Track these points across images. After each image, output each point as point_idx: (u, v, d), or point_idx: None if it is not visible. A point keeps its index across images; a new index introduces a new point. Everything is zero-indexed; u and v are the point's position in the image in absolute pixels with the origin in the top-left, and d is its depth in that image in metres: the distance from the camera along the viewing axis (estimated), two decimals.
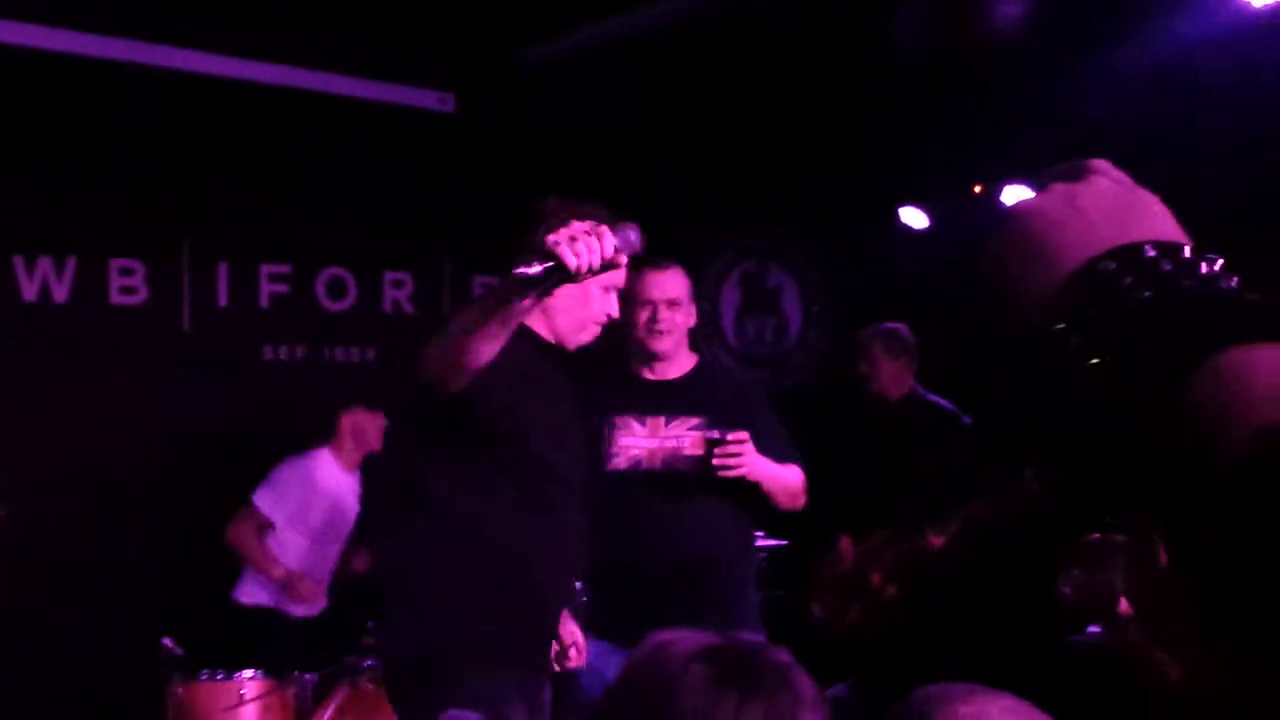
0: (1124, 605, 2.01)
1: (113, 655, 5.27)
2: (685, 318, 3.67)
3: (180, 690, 4.63)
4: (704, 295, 7.14)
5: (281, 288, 6.06)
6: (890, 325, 5.74)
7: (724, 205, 6.77)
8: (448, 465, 2.85)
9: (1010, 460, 4.79)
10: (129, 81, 5.39)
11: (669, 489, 3.54)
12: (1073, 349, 0.74)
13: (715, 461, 3.38)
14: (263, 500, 5.25)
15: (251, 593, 5.26)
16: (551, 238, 2.45)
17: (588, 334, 3.00)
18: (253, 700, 4.61)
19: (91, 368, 5.52)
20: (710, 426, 3.53)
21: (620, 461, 3.57)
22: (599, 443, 3.54)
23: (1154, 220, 0.80)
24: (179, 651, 4.71)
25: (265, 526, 5.24)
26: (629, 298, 3.59)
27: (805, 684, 1.21)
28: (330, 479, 5.36)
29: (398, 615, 2.92)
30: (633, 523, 3.52)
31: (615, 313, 3.02)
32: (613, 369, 3.74)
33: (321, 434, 5.34)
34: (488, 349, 2.59)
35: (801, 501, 3.67)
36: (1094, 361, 0.73)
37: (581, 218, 2.76)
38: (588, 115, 6.10)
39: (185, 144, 5.61)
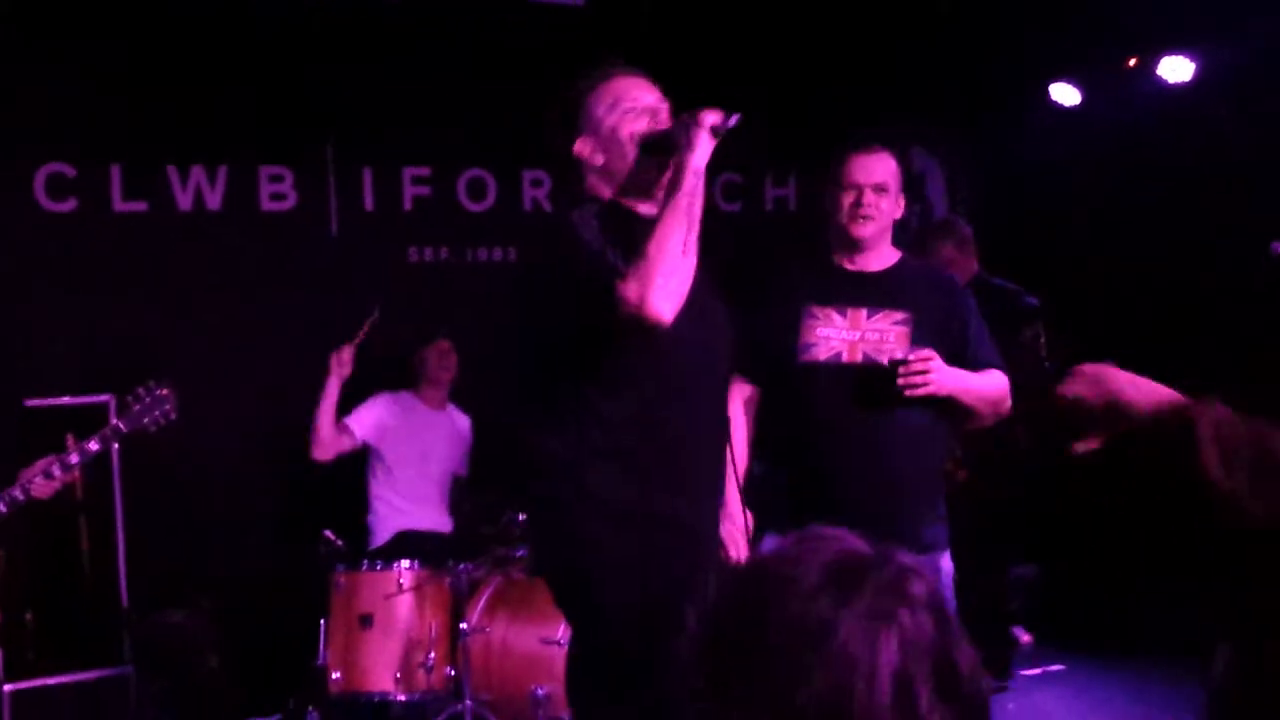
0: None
1: (276, 547, 5.50)
2: (891, 206, 3.48)
3: (342, 579, 4.82)
4: None
5: (424, 190, 6.14)
6: (943, 217, 5.58)
7: (862, 90, 6.60)
8: (592, 373, 2.71)
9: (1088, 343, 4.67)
10: None
11: (866, 384, 3.36)
12: None
13: (900, 382, 3.24)
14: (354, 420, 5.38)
15: (381, 531, 5.37)
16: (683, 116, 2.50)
17: (629, 162, 2.85)
18: (411, 588, 4.78)
19: (246, 273, 5.69)
20: (915, 324, 3.39)
21: (819, 353, 3.40)
22: (793, 332, 3.40)
23: None
24: (339, 543, 4.89)
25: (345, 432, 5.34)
26: (833, 183, 3.47)
27: (920, 589, 1.17)
28: (417, 414, 5.48)
29: (549, 527, 2.82)
30: (825, 418, 3.37)
31: (643, 128, 2.86)
32: (811, 258, 3.57)
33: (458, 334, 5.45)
34: (694, 262, 2.57)
35: (1006, 408, 3.50)
36: None
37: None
38: (717, 6, 5.98)
39: (325, 50, 5.67)
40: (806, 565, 1.16)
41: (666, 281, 2.54)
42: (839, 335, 3.41)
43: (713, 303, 2.86)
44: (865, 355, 3.38)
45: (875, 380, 3.34)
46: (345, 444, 5.33)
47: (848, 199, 3.44)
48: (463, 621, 4.70)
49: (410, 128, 5.93)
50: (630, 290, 2.55)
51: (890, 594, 1.14)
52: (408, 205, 6.11)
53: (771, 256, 3.09)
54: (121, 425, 4.13)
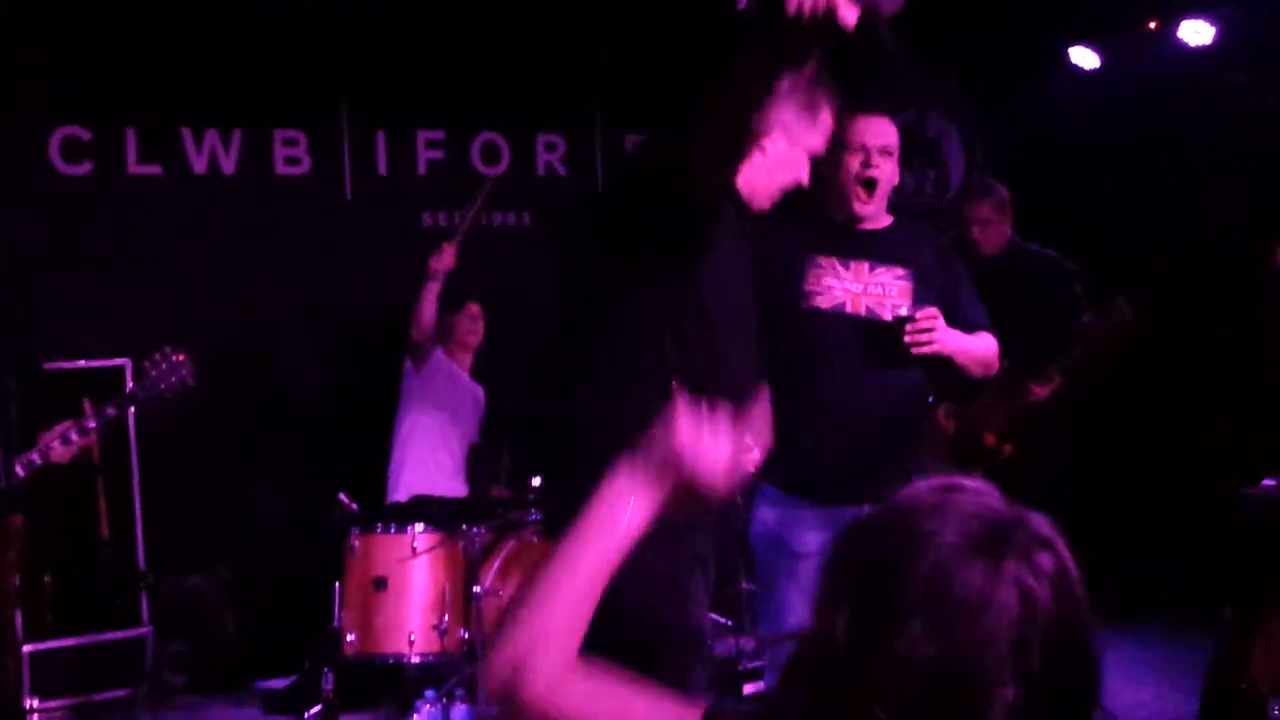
0: None
1: (292, 509, 5.53)
2: (893, 171, 3.49)
3: (357, 542, 4.84)
4: None
5: (437, 154, 6.12)
6: (978, 183, 5.54)
7: (878, 55, 6.54)
8: (612, 322, 2.72)
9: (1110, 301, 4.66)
10: None
11: (868, 337, 3.37)
12: None
13: (907, 339, 3.25)
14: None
15: (405, 485, 5.37)
16: None
17: (770, 201, 2.88)
18: (425, 552, 4.80)
19: (260, 237, 5.69)
20: (915, 280, 3.42)
21: (822, 301, 3.40)
22: (796, 279, 3.39)
23: None
24: (354, 506, 4.91)
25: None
26: (837, 143, 3.36)
27: (1062, 555, 1.18)
28: (453, 372, 5.50)
29: (564, 475, 2.78)
30: (826, 367, 3.37)
31: (805, 180, 2.89)
32: (810, 214, 3.53)
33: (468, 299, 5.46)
34: None
35: (995, 369, 3.55)
36: None
37: None
38: None
39: (339, 14, 5.65)
40: (947, 520, 1.17)
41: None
42: (842, 285, 3.42)
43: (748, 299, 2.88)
44: (868, 309, 3.40)
45: (879, 335, 3.36)
46: (428, 347, 5.38)
47: (856, 160, 3.43)
48: (476, 584, 4.73)
49: (424, 91, 5.91)
50: None
51: (1023, 561, 1.15)
52: (422, 169, 6.10)
53: (773, 216, 3.05)
54: (139, 391, 4.15)
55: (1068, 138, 6.29)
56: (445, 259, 5.23)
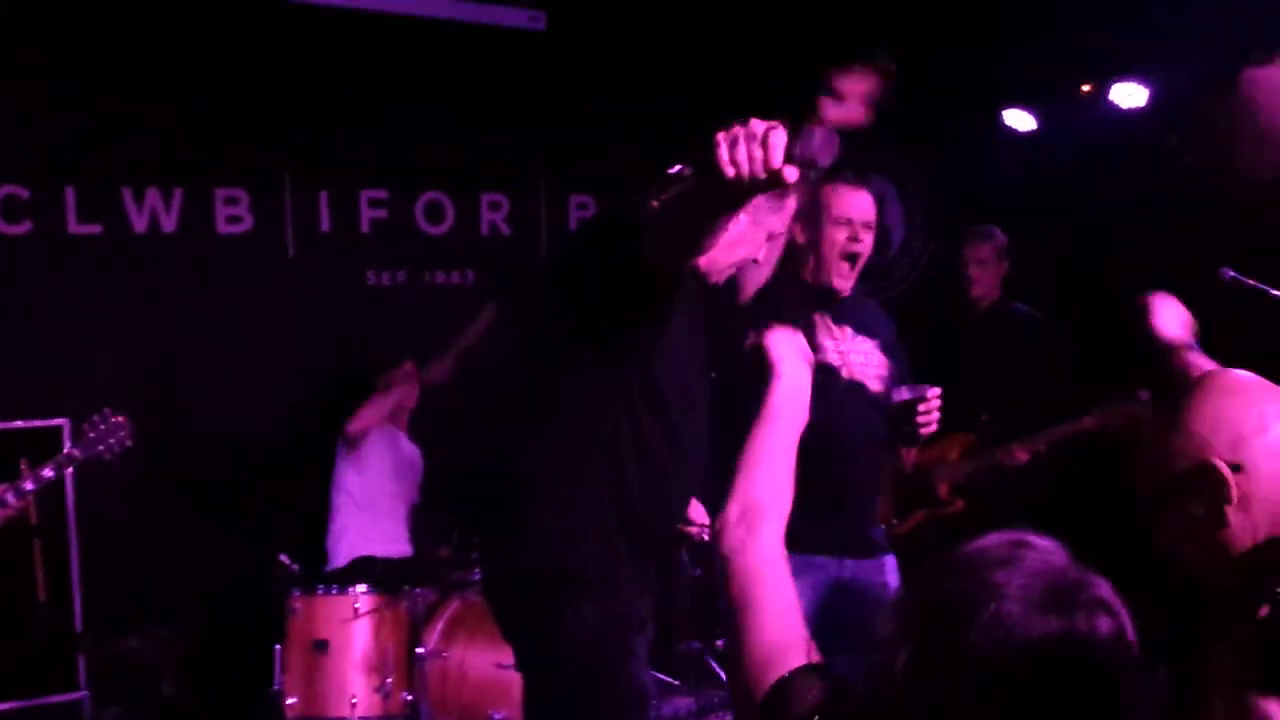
0: None
1: (232, 570, 5.46)
2: (871, 245, 3.57)
3: (298, 604, 4.79)
4: None
5: (381, 213, 6.13)
6: (986, 229, 5.63)
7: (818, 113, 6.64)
8: (564, 385, 2.72)
9: (1115, 377, 4.68)
10: (225, 12, 5.45)
11: (858, 402, 3.48)
12: None
13: (920, 420, 3.30)
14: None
15: (344, 551, 5.32)
16: (721, 135, 2.06)
17: (724, 276, 2.89)
18: (367, 613, 4.76)
19: (201, 295, 5.66)
20: (884, 352, 3.54)
21: (827, 357, 3.48)
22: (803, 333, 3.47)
23: None
24: (295, 567, 4.86)
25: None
26: (822, 213, 3.50)
27: (1122, 618, 1.21)
28: (387, 432, 5.49)
29: (514, 532, 2.81)
30: (827, 423, 3.42)
31: (761, 259, 2.92)
32: (792, 277, 3.59)
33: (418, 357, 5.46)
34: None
35: None
36: None
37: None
38: (673, 28, 6.01)
39: (282, 73, 5.66)
40: (1014, 574, 1.20)
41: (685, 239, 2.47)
42: (835, 347, 3.52)
43: (700, 382, 2.89)
44: (855, 375, 3.51)
45: (861, 389, 3.47)
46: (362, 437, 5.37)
47: (842, 233, 3.49)
48: (419, 646, 4.69)
49: (367, 150, 5.92)
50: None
51: (1084, 622, 1.19)
52: (365, 228, 6.09)
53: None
54: (76, 452, 4.10)
55: (1005, 198, 6.41)
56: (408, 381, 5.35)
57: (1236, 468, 1.71)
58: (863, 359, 3.52)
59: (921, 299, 6.03)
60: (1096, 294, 6.07)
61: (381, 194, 6.11)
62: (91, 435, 4.11)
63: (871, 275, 6.82)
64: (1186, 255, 5.45)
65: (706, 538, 3.19)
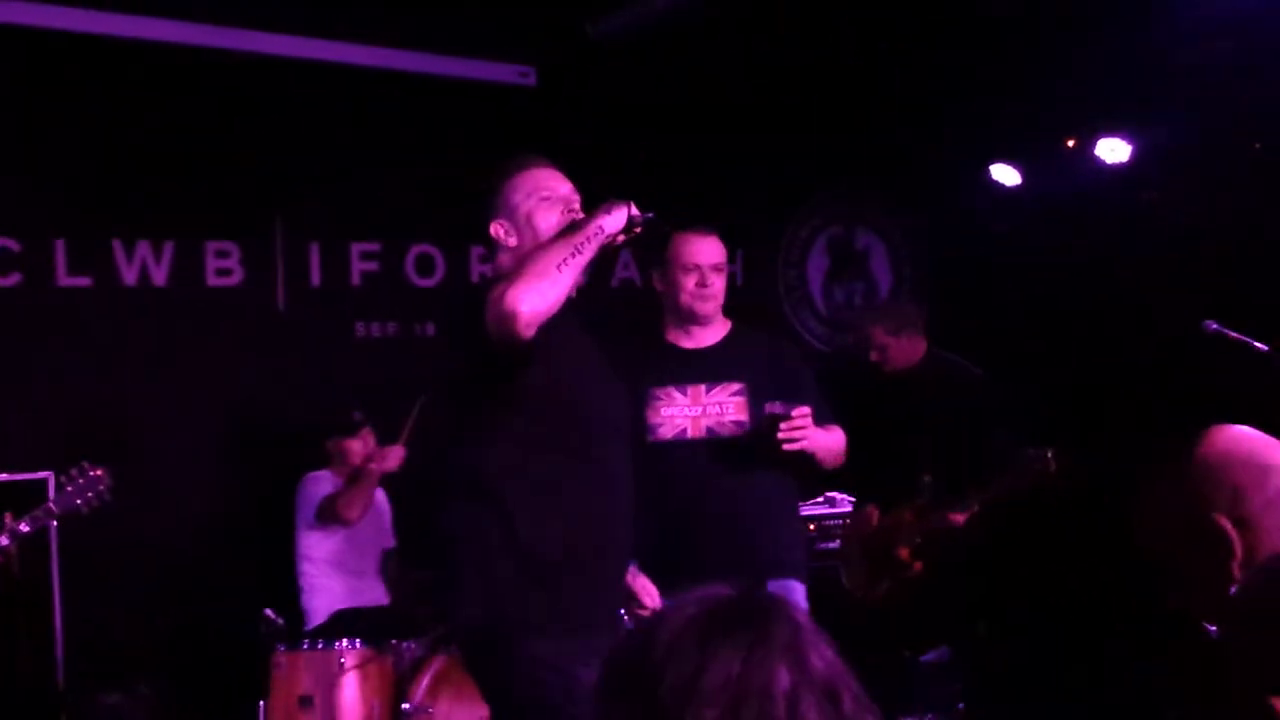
0: None
1: (215, 625, 5.41)
2: (724, 285, 3.75)
3: (283, 659, 4.74)
4: (790, 262, 7.09)
5: (372, 265, 6.15)
6: (886, 303, 5.65)
7: (807, 169, 6.70)
8: (494, 437, 2.82)
9: (1033, 432, 4.77)
10: (216, 67, 5.49)
11: (712, 455, 3.59)
12: None
13: (781, 436, 3.40)
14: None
15: (320, 608, 5.27)
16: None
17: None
18: (353, 668, 4.71)
19: (191, 348, 5.66)
20: (750, 391, 3.62)
21: (665, 432, 3.63)
22: (641, 414, 3.59)
23: None
24: (280, 621, 4.82)
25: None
26: (673, 264, 3.72)
27: (784, 628, 1.19)
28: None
29: (457, 587, 2.89)
30: (679, 491, 3.56)
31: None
32: (647, 339, 3.81)
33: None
34: (565, 290, 2.67)
35: (843, 461, 3.71)
36: None
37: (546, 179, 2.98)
38: (663, 84, 6.06)
39: (274, 126, 5.70)
40: (675, 621, 1.20)
41: (534, 283, 2.64)
42: (682, 413, 3.64)
43: (613, 378, 3.02)
44: (708, 429, 3.62)
45: (722, 450, 3.57)
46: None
47: (691, 279, 3.69)
48: (405, 702, 4.64)
49: (358, 204, 5.95)
50: (497, 290, 2.65)
51: (755, 635, 1.17)
52: (356, 281, 6.11)
53: (614, 340, 3.20)
54: (54, 506, 4.08)
55: (990, 251, 6.46)
56: (390, 462, 5.25)
57: (1240, 523, 1.71)
58: (718, 410, 3.62)
59: (843, 367, 6.00)
60: (1081, 342, 6.10)
61: (373, 246, 6.13)
62: (69, 489, 4.10)
63: (851, 325, 6.88)
64: (1169, 307, 5.51)
65: (650, 603, 3.24)
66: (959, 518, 4.77)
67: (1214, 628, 1.76)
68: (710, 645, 1.15)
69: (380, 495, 5.51)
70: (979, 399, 5.06)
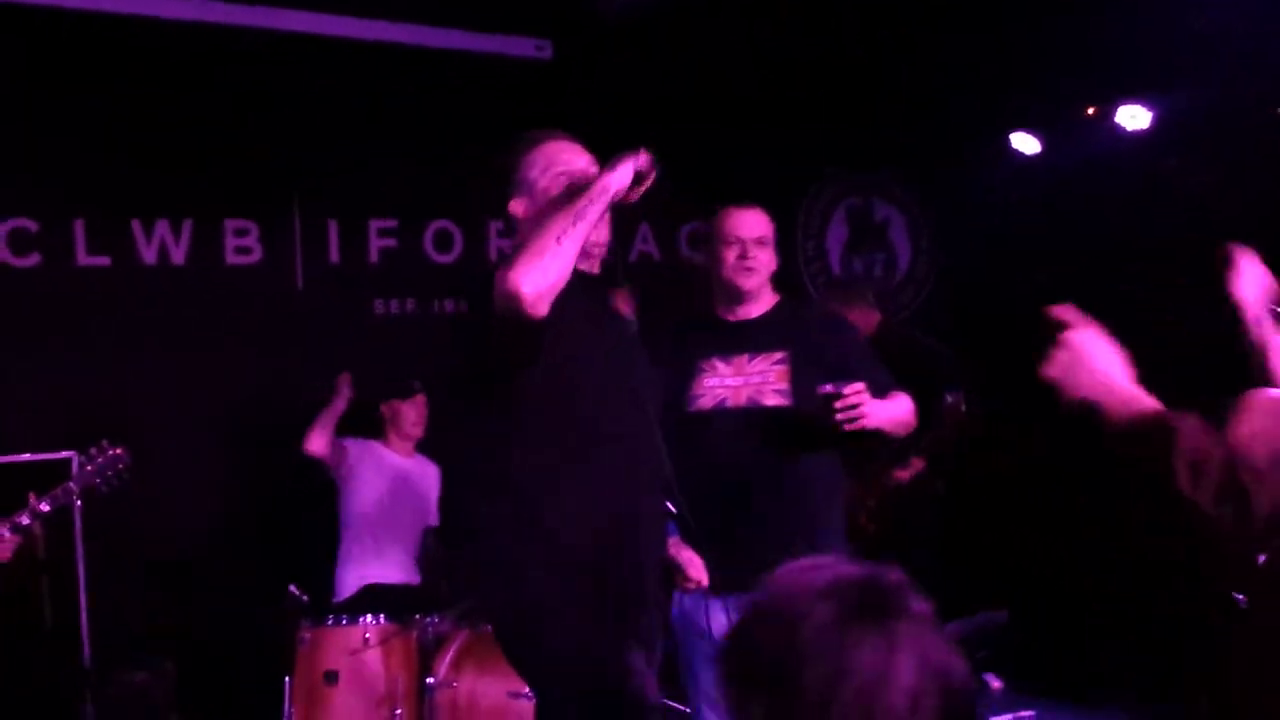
0: None
1: (240, 604, 5.44)
2: (770, 259, 3.70)
3: (307, 634, 4.76)
4: (810, 233, 7.06)
5: (390, 242, 6.15)
6: (837, 279, 5.66)
7: (826, 140, 6.66)
8: (507, 427, 2.74)
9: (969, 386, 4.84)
10: (234, 45, 5.48)
11: (753, 425, 3.53)
12: None
13: (840, 417, 3.30)
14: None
15: (350, 580, 5.29)
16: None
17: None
18: (377, 644, 4.73)
19: (210, 327, 5.67)
20: (792, 360, 3.56)
21: (705, 402, 3.59)
22: (685, 387, 3.58)
23: None
24: (304, 598, 4.84)
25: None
26: (716, 238, 3.69)
27: (923, 607, 1.22)
28: (388, 460, 5.45)
29: (490, 582, 2.84)
30: (718, 460, 3.51)
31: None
32: (698, 315, 3.78)
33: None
34: (569, 262, 2.56)
35: (915, 426, 3.65)
36: None
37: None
38: (682, 56, 6.03)
39: (291, 105, 5.69)
40: (810, 595, 1.21)
41: (534, 260, 2.53)
42: (723, 383, 3.60)
43: (638, 353, 2.91)
44: (749, 399, 3.56)
45: (767, 421, 3.50)
46: (335, 457, 5.31)
47: (732, 253, 3.65)
48: (430, 676, 4.66)
49: (375, 180, 5.95)
50: (501, 271, 2.56)
51: (905, 622, 1.20)
52: (374, 258, 6.11)
53: (664, 315, 3.15)
54: (73, 485, 4.10)
55: (1010, 220, 6.41)
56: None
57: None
58: (760, 379, 3.58)
59: None
60: (1101, 314, 6.06)
61: (390, 223, 6.13)
62: (89, 468, 4.11)
63: (881, 298, 6.85)
64: (1190, 275, 5.45)
65: (696, 576, 3.19)
66: (904, 475, 4.87)
67: (1242, 597, 1.79)
68: (850, 636, 1.17)
69: (432, 472, 5.52)
70: (933, 366, 5.11)
